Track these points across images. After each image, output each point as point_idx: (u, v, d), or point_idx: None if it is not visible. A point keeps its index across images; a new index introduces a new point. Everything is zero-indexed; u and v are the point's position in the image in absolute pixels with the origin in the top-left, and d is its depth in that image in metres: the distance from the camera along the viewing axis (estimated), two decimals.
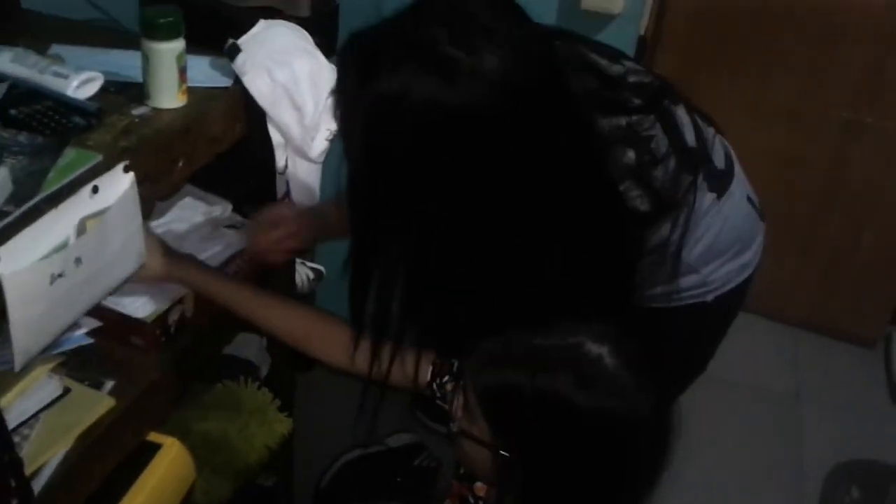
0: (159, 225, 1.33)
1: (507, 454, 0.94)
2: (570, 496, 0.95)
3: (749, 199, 1.24)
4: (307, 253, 2.17)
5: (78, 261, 0.91)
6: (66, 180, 0.92)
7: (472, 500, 1.16)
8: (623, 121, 1.02)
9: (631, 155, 1.01)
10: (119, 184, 0.97)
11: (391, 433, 2.05)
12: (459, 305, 1.02)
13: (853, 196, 2.49)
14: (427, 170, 0.91)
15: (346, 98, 0.93)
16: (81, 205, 0.92)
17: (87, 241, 0.92)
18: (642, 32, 1.79)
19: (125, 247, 1.01)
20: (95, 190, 0.93)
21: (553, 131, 0.93)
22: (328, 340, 1.17)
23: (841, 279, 2.61)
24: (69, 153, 0.96)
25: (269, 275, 1.45)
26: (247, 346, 1.77)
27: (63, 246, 0.89)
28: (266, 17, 1.46)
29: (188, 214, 1.36)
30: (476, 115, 0.88)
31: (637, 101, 1.05)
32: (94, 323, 1.17)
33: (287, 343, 1.21)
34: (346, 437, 2.04)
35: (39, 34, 1.26)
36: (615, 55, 1.13)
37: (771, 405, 2.45)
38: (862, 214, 2.51)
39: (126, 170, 0.98)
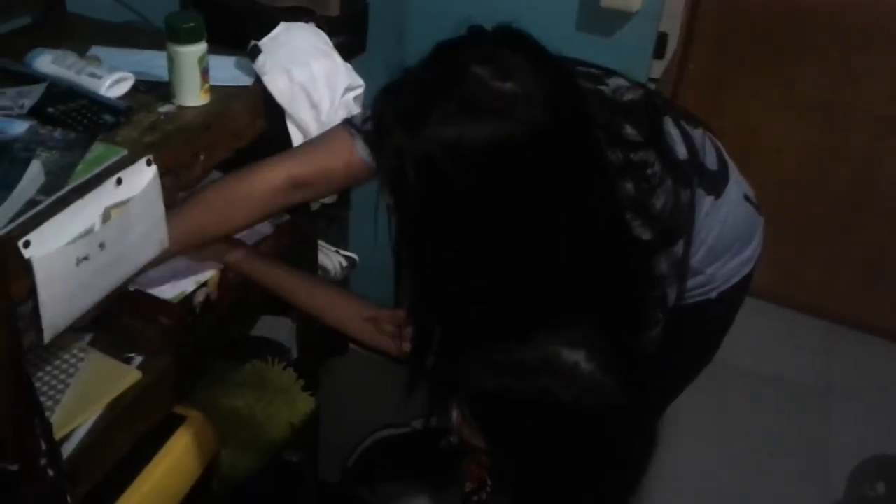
0: None
1: (499, 457, 1.00)
2: (559, 485, 1.01)
3: (746, 196, 1.27)
4: (340, 240, 2.27)
5: (102, 246, 1.01)
6: (92, 173, 1.01)
7: (489, 482, 1.23)
8: (620, 153, 1.05)
9: (630, 186, 1.04)
10: (142, 176, 1.06)
11: (416, 416, 2.13)
12: (483, 319, 1.04)
13: (888, 190, 2.48)
14: (484, 203, 0.92)
15: (392, 149, 0.93)
16: (106, 195, 1.01)
17: (111, 228, 1.02)
18: (662, 29, 1.82)
19: (148, 234, 1.11)
20: (119, 182, 1.03)
21: (583, 158, 0.96)
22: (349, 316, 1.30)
23: (876, 274, 2.60)
24: (97, 148, 1.06)
25: (294, 261, 1.55)
26: (278, 329, 1.87)
27: (88, 232, 0.98)
28: (297, 17, 1.54)
29: None
30: (539, 138, 0.90)
31: (635, 134, 1.07)
32: None
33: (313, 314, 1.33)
34: (374, 417, 2.13)
35: (81, 36, 1.36)
36: (600, 75, 1.15)
37: (801, 399, 2.46)
38: None
39: (149, 163, 1.07)
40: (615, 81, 1.15)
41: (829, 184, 2.53)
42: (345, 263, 2.08)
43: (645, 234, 1.05)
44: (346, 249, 2.10)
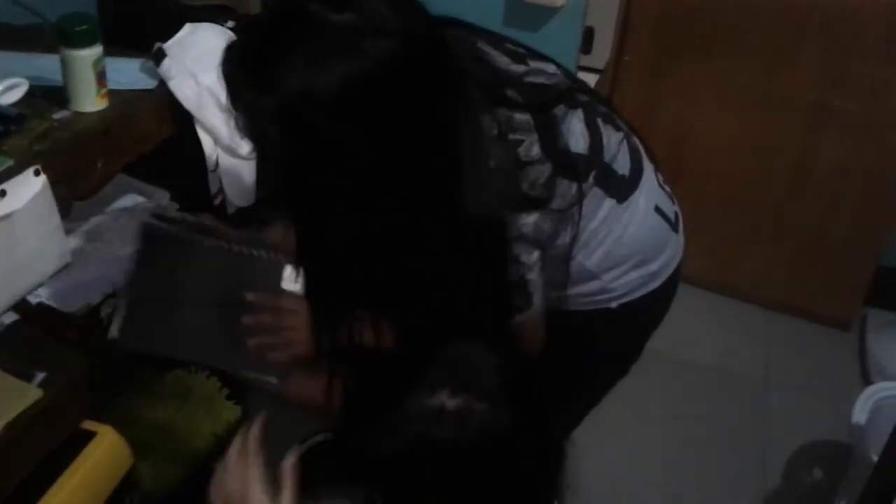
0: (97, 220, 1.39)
1: None
2: None
3: (658, 208, 1.22)
4: None
5: None
6: None
7: None
8: (500, 117, 1.01)
9: (498, 151, 1.00)
10: (29, 187, 1.02)
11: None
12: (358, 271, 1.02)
13: (823, 178, 2.49)
14: (347, 142, 0.90)
15: (248, 109, 0.92)
16: None
17: None
18: (589, 24, 1.81)
19: (43, 246, 1.07)
20: (3, 194, 0.98)
21: (443, 86, 0.93)
22: None
23: (814, 261, 2.62)
24: None
25: None
26: None
27: None
28: (217, 16, 1.50)
29: (128, 205, 1.41)
30: (390, 70, 0.87)
31: (517, 98, 1.04)
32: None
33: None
34: (310, 422, 2.10)
35: None
36: (524, 55, 1.12)
37: (739, 387, 2.47)
38: (833, 196, 2.51)
39: (37, 173, 1.03)
40: (540, 66, 1.12)
41: (765, 172, 2.54)
42: None
43: (508, 193, 1.01)
44: None
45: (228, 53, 0.92)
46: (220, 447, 1.58)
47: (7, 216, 0.98)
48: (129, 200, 1.43)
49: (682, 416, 2.36)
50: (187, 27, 1.32)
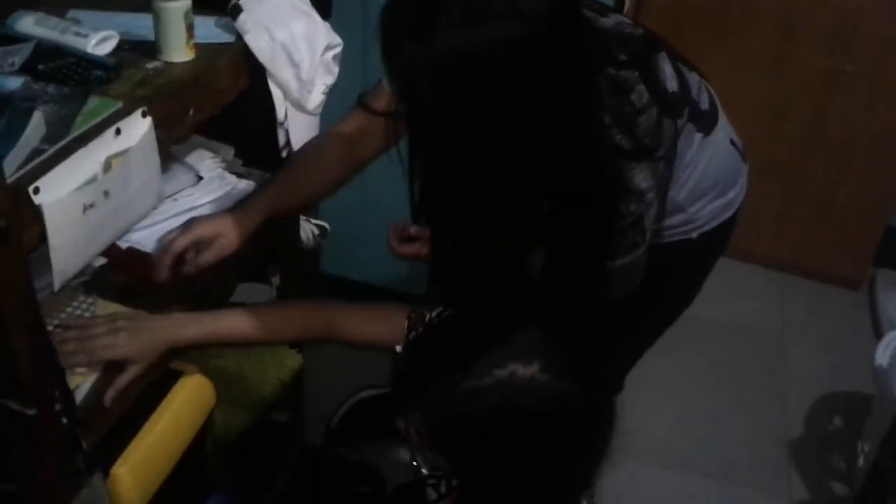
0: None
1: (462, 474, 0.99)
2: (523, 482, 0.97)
3: (732, 141, 1.33)
4: (311, 210, 2.29)
5: (106, 194, 1.03)
6: (92, 123, 1.03)
7: None
8: (609, 72, 1.08)
9: (613, 103, 1.06)
10: (139, 127, 1.08)
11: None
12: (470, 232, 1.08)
13: (835, 142, 2.59)
14: (493, 102, 0.94)
15: (403, 64, 0.95)
16: (106, 145, 1.03)
17: (113, 177, 1.04)
18: None
19: (145, 184, 1.13)
20: (118, 132, 1.05)
21: (571, 64, 0.98)
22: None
23: (825, 223, 2.72)
24: (93, 101, 1.07)
25: (274, 233, 1.57)
26: (257, 296, 1.89)
27: (93, 180, 1.00)
28: None
29: (196, 161, 1.47)
30: (545, 32, 0.92)
31: (623, 57, 1.10)
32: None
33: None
34: (354, 380, 2.16)
35: (57, 1, 1.36)
36: (602, 9, 1.19)
37: (757, 344, 2.57)
38: (843, 160, 2.61)
39: (144, 115, 1.09)
40: (617, 17, 1.20)
41: (779, 138, 2.63)
42: (316, 232, 2.10)
43: (624, 144, 1.07)
44: (315, 218, 2.13)
45: (387, 11, 0.96)
46: (285, 393, 1.65)
47: (123, 152, 1.05)
48: (197, 156, 1.48)
49: (708, 372, 2.45)
50: None
